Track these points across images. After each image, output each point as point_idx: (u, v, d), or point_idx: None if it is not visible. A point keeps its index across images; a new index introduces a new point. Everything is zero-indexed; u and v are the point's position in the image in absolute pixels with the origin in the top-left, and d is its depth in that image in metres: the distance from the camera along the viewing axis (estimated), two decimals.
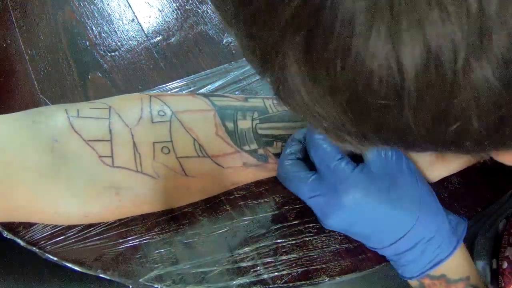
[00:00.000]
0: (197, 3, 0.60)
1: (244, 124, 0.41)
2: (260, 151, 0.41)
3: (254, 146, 0.41)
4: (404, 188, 0.36)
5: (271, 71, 0.19)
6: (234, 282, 0.39)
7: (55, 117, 0.37)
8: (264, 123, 0.42)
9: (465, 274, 0.37)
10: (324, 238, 0.42)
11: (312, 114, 0.20)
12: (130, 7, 0.59)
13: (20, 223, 0.40)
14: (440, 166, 0.42)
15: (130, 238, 0.41)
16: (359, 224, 0.37)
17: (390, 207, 0.35)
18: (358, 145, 0.21)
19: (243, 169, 0.41)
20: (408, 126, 0.17)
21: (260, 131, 0.41)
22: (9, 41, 0.55)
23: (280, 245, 0.41)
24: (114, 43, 0.55)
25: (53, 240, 0.40)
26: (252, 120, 0.41)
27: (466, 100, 0.16)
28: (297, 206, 0.43)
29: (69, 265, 0.39)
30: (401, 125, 0.18)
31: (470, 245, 0.47)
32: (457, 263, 0.37)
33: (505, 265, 0.40)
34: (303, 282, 0.40)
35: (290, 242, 0.41)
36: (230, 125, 0.41)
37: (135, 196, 0.38)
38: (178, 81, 0.52)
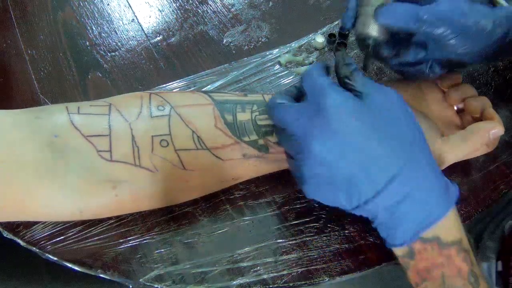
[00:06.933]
0: (197, 3, 0.60)
1: (244, 116, 0.41)
2: (260, 141, 0.41)
3: (254, 137, 0.41)
4: (400, 126, 0.34)
5: None
6: (234, 282, 0.39)
7: (55, 114, 0.38)
8: (263, 115, 0.42)
9: (457, 237, 0.35)
10: (324, 238, 0.42)
11: None
12: (130, 7, 0.59)
13: (20, 223, 0.40)
14: (445, 154, 0.41)
15: (130, 238, 0.41)
16: (343, 154, 0.33)
17: (381, 139, 0.33)
18: None
19: (243, 161, 0.41)
20: None
21: (259, 122, 0.41)
22: (9, 41, 0.55)
23: (280, 245, 0.41)
24: (114, 43, 0.55)
25: (53, 240, 0.40)
26: (252, 112, 0.41)
27: None
28: (297, 206, 0.43)
29: (69, 265, 0.39)
30: None
31: (475, 246, 0.47)
32: (451, 224, 0.35)
33: None
34: (303, 282, 0.40)
35: (290, 242, 0.41)
36: (229, 117, 0.41)
37: (132, 190, 0.38)
38: (178, 81, 0.52)
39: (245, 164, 0.41)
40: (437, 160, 0.41)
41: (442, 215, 0.34)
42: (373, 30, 0.42)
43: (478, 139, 0.42)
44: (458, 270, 0.35)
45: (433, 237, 0.35)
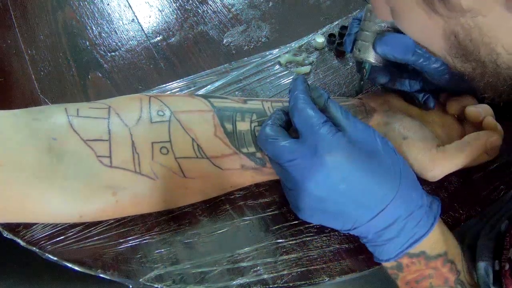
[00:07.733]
0: (197, 3, 0.60)
1: (243, 126, 0.41)
2: (258, 154, 0.41)
3: (252, 149, 0.41)
4: (384, 159, 0.36)
5: None
6: (234, 282, 0.39)
7: (54, 116, 0.37)
8: None
9: (443, 249, 0.37)
10: (324, 238, 0.42)
11: None
12: (130, 7, 0.59)
13: (20, 223, 0.40)
14: (441, 163, 0.41)
15: (130, 238, 0.41)
16: (337, 192, 0.35)
17: (371, 176, 0.35)
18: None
19: (242, 172, 0.41)
20: None
21: (258, 134, 0.41)
22: (9, 41, 0.55)
23: (280, 245, 0.41)
24: (114, 43, 0.55)
25: (53, 240, 0.40)
26: (251, 122, 0.41)
27: None
28: None
29: (69, 265, 0.39)
30: None
31: (473, 245, 0.47)
32: (435, 239, 0.37)
33: (507, 266, 0.40)
34: (303, 282, 0.40)
35: (290, 242, 0.41)
36: (229, 126, 0.41)
37: (132, 196, 0.38)
38: (178, 81, 0.52)
39: (243, 174, 0.42)
40: (430, 172, 0.42)
41: (427, 233, 0.36)
42: (370, 56, 0.42)
43: (475, 150, 0.42)
44: (445, 279, 0.37)
45: (420, 252, 0.36)
